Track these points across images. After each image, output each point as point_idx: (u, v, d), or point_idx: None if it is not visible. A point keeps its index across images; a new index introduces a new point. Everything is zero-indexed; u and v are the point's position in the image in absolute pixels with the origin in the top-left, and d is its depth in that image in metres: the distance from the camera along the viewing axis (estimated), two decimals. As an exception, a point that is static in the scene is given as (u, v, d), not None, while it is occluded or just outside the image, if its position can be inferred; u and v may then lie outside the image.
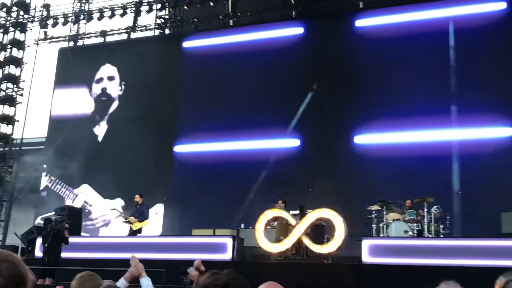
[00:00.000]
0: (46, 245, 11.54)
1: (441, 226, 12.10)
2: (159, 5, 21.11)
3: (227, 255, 11.94)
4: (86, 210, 18.97)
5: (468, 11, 16.17)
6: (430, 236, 11.83)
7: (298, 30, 18.37)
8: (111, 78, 20.45)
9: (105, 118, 20.32)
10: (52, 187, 19.97)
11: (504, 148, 14.58)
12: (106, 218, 18.95)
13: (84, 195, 19.41)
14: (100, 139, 20.23)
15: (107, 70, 20.63)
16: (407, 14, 16.89)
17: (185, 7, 20.63)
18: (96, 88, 20.70)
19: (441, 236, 11.96)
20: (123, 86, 20.15)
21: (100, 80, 20.65)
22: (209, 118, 18.21)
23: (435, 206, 12.12)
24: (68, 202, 18.89)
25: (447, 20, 16.15)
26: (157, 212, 15.46)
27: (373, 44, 16.90)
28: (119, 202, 18.33)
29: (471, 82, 15.37)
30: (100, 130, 20.32)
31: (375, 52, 16.72)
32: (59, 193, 19.76)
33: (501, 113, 14.84)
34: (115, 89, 20.32)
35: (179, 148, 18.79)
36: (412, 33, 16.44)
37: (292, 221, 11.92)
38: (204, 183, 17.35)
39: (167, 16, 21.86)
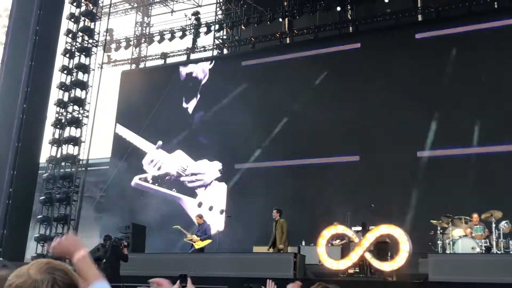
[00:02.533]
0: (104, 261, 11.75)
1: (511, 242, 11.63)
2: (217, 26, 21.51)
3: (289, 273, 11.86)
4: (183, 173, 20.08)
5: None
6: (499, 252, 11.40)
7: (355, 45, 18.26)
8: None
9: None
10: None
11: None
12: (203, 178, 19.70)
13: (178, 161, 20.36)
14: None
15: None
16: (470, 26, 16.52)
17: (243, 27, 20.93)
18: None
19: (511, 252, 11.49)
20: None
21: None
22: (266, 135, 18.29)
23: (504, 222, 11.67)
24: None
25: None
26: (219, 229, 15.57)
27: (433, 56, 16.58)
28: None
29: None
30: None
31: (436, 64, 16.39)
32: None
33: None
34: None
35: (239, 166, 18.98)
36: (473, 44, 16.07)
37: (355, 237, 11.75)
38: (263, 199, 17.36)
39: (225, 37, 22.23)
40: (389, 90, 16.89)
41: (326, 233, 12.00)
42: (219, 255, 14.59)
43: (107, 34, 22.96)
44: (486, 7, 16.98)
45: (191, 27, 21.54)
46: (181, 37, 21.66)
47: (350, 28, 19.47)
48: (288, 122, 18.04)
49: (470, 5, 16.78)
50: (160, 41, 22.20)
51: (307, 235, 14.38)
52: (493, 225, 11.65)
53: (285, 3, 19.95)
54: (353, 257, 11.57)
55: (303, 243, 14.39)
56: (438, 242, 12.28)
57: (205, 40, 21.88)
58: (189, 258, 13.70)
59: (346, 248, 12.38)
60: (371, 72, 17.35)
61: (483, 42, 15.95)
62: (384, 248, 11.72)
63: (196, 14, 21.81)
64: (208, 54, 22.03)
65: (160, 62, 22.80)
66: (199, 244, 13.75)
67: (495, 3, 17.08)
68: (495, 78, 15.52)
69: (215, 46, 22.04)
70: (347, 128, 17.16)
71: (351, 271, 11.82)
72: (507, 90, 15.23)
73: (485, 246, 11.52)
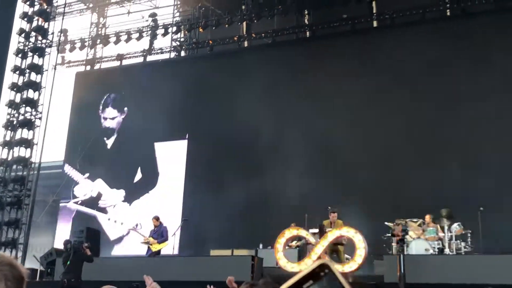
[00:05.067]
0: (68, 263, 11.52)
1: (463, 244, 11.96)
2: (174, 28, 21.35)
3: (247, 276, 11.85)
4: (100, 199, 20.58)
5: None
6: (451, 254, 11.69)
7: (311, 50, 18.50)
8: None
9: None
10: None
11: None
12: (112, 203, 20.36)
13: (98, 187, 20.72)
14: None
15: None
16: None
17: (200, 30, 20.83)
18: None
19: (463, 254, 11.81)
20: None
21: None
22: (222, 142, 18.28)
23: (456, 223, 11.99)
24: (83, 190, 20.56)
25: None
26: (174, 233, 15.37)
27: (390, 60, 16.89)
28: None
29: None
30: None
31: (394, 69, 16.70)
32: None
33: None
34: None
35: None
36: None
37: (312, 240, 11.84)
38: (221, 203, 17.31)
39: (182, 39, 22.09)
40: (347, 92, 17.11)
41: (283, 236, 12.04)
42: (176, 258, 14.48)
43: (62, 34, 22.49)
44: (440, 14, 17.44)
45: (148, 29, 21.32)
46: (138, 39, 21.42)
47: (307, 32, 19.65)
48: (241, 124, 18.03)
49: (423, 12, 17.20)
50: (116, 42, 21.90)
51: (265, 238, 14.41)
52: (446, 228, 11.96)
53: (243, 7, 19.97)
54: (310, 258, 11.64)
55: (261, 246, 14.41)
56: (392, 244, 12.50)
57: (162, 42, 21.72)
58: (146, 262, 13.52)
59: (303, 250, 12.47)
60: (327, 76, 17.49)
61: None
62: (340, 250, 11.86)
63: (153, 15, 21.61)
64: (165, 56, 21.87)
65: (116, 63, 22.48)
66: (156, 247, 13.59)
67: (448, 10, 17.53)
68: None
69: (172, 48, 21.87)
70: (305, 131, 17.24)
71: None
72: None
73: (438, 248, 11.80)
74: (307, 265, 11.65)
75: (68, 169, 21.54)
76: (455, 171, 14.78)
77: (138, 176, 20.24)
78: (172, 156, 19.67)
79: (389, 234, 12.65)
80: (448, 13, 17.59)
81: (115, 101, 21.47)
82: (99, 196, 20.72)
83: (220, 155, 18.28)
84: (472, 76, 15.60)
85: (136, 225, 15.08)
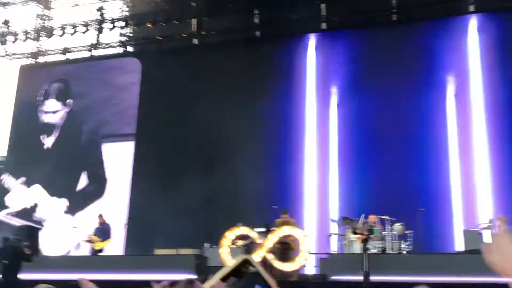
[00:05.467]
0: (6, 261, 11.17)
1: (404, 243, 12.26)
2: (122, 23, 20.95)
3: (192, 275, 11.78)
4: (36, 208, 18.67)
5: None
6: (393, 253, 11.96)
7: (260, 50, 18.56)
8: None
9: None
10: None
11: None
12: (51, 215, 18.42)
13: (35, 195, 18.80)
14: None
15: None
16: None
17: (149, 25, 20.48)
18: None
19: (404, 253, 12.11)
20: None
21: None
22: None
23: (397, 223, 12.28)
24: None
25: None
26: (119, 232, 15.17)
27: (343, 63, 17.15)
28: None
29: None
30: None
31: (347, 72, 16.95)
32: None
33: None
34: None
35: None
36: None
37: (258, 238, 11.89)
38: (166, 202, 17.14)
39: (130, 34, 21.70)
40: (293, 94, 17.27)
41: (229, 235, 12.05)
42: (120, 257, 14.24)
43: (4, 25, 21.74)
44: (386, 19, 17.84)
45: (95, 23, 20.84)
46: (84, 32, 20.91)
47: (257, 32, 19.65)
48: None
49: (371, 16, 17.53)
50: (61, 35, 21.31)
51: (210, 237, 14.37)
52: (388, 227, 12.23)
53: (194, 4, 19.78)
54: (255, 257, 11.68)
55: (206, 245, 14.35)
56: (345, 242, 12.69)
57: (110, 36, 21.26)
58: (89, 260, 13.27)
59: (249, 249, 12.49)
60: (277, 75, 17.61)
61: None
62: (287, 249, 11.95)
63: (100, 9, 21.13)
64: (112, 51, 21.45)
65: (62, 57, 21.91)
66: (98, 245, 13.35)
67: (395, 15, 17.89)
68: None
69: (120, 43, 21.46)
70: (256, 130, 17.27)
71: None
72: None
73: (381, 247, 12.05)
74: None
75: (4, 175, 19.41)
76: (396, 172, 15.14)
77: (83, 182, 18.70)
78: (119, 157, 18.71)
79: (335, 233, 12.83)
80: (395, 18, 17.95)
81: (59, 91, 20.26)
82: (35, 205, 18.51)
83: (168, 154, 18.06)
84: (410, 79, 16.00)
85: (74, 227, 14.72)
